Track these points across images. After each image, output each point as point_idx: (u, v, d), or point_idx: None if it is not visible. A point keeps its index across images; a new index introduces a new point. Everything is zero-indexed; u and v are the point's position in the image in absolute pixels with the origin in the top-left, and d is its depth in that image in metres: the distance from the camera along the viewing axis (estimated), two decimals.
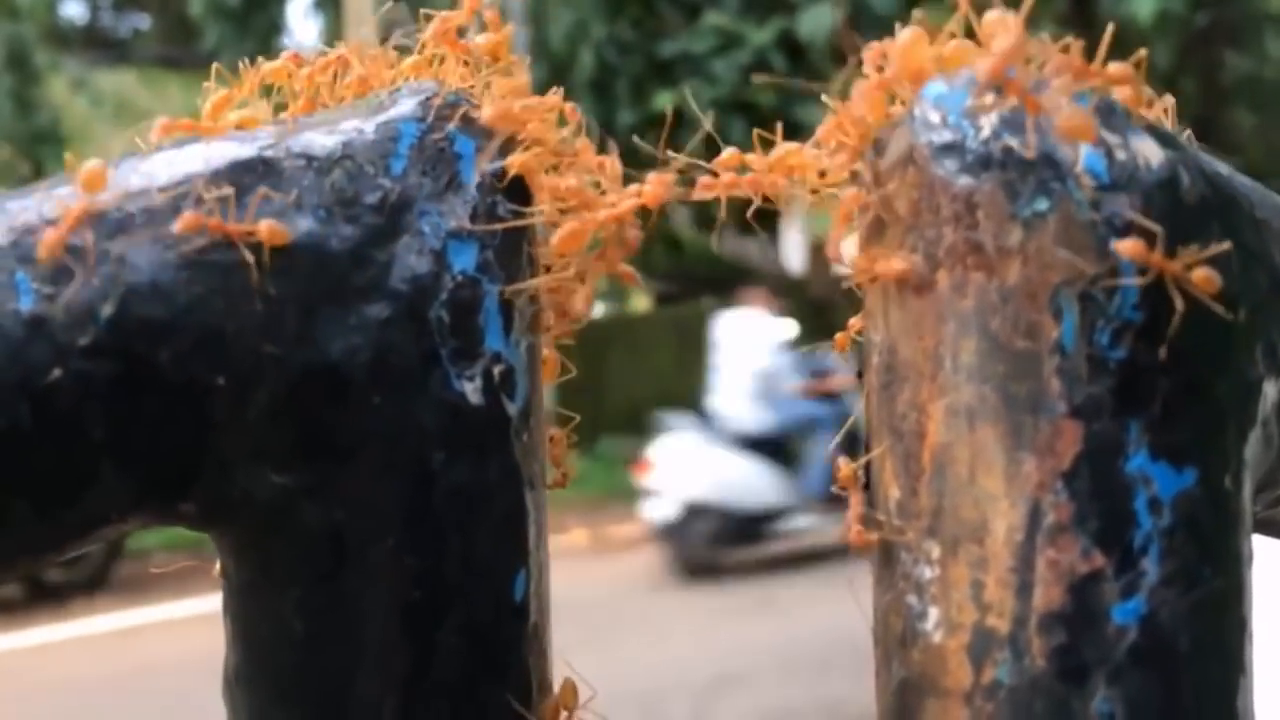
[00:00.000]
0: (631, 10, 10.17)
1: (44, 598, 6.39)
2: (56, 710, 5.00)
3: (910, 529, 0.38)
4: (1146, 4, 10.35)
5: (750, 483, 6.57)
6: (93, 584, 6.62)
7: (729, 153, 0.41)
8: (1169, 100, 0.40)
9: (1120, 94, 0.39)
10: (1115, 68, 0.39)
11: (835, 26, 9.08)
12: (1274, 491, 0.44)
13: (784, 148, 0.40)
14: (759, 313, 7.17)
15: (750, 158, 0.41)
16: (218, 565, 0.42)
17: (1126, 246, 0.35)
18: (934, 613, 0.38)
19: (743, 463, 6.64)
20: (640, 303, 11.74)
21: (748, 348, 7.08)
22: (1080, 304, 0.36)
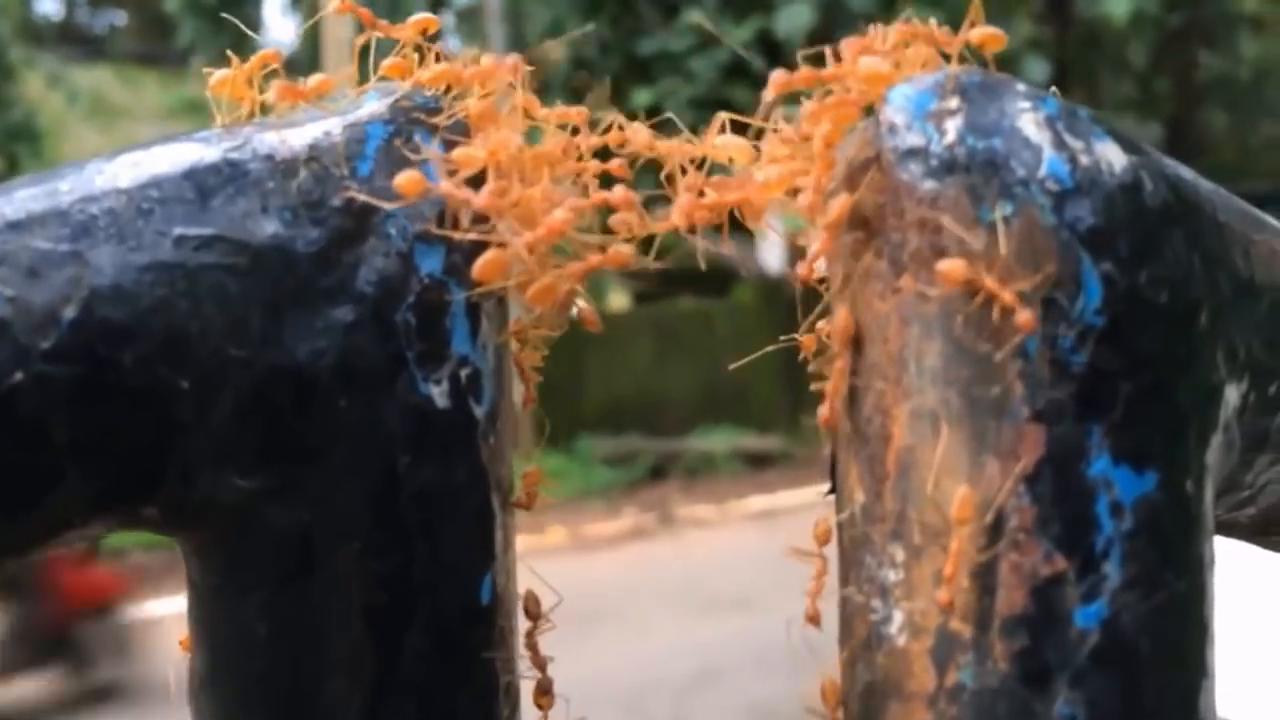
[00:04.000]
0: (609, 8, 10.17)
1: None
2: None
3: (875, 532, 0.38)
4: (1121, 3, 10.41)
5: None
6: None
7: (692, 178, 0.41)
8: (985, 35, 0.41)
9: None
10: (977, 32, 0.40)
11: (813, 25, 9.10)
12: (1236, 495, 0.44)
13: (758, 175, 0.40)
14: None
15: (715, 182, 0.41)
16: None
17: (947, 268, 0.36)
18: (898, 616, 0.38)
19: None
20: (618, 301, 11.73)
21: None
22: (1043, 308, 0.36)
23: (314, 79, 0.44)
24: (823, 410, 0.39)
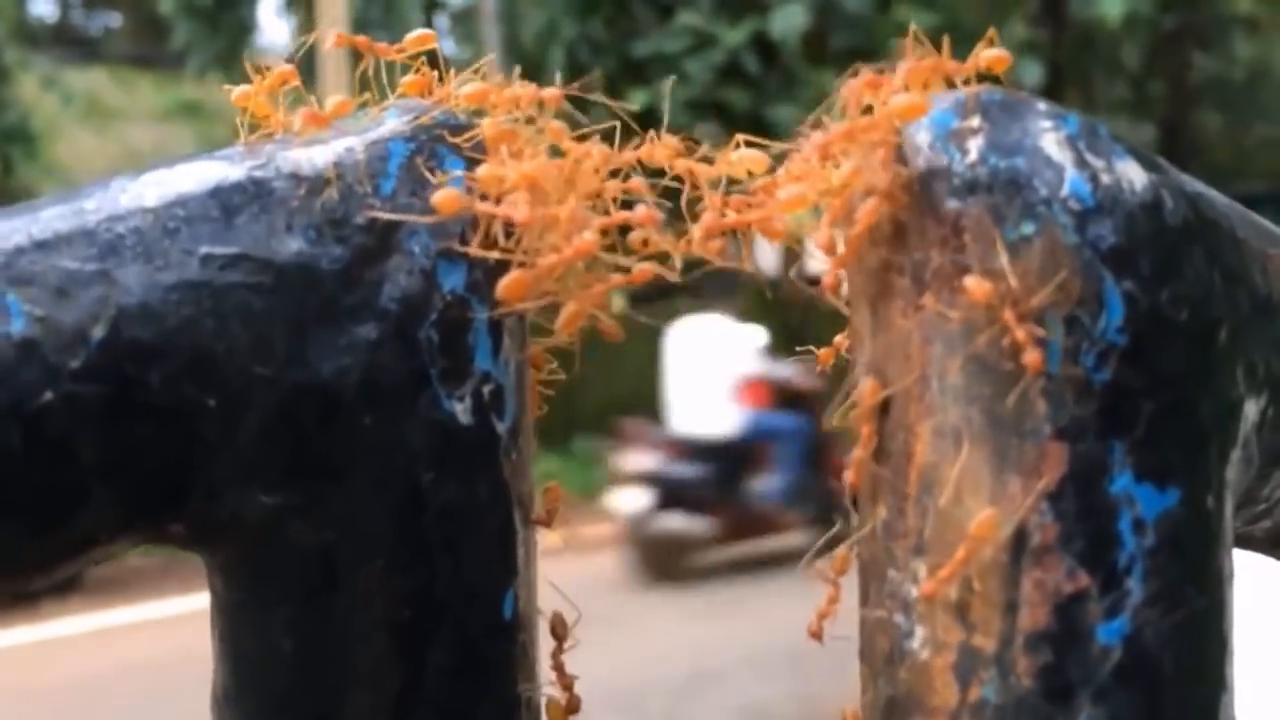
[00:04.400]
0: (604, 10, 10.18)
1: (15, 600, 6.32)
2: (31, 714, 4.96)
3: (897, 548, 0.39)
4: (1115, 5, 10.42)
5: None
6: (66, 585, 6.55)
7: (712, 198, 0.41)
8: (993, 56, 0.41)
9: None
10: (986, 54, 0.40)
11: (807, 26, 9.11)
12: (1253, 508, 0.45)
13: (779, 196, 0.40)
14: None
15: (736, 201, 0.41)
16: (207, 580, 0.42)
17: (973, 285, 0.36)
18: (920, 631, 0.38)
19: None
20: (616, 303, 11.73)
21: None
22: (1065, 327, 0.36)
23: (331, 102, 0.44)
24: (848, 475, 0.40)
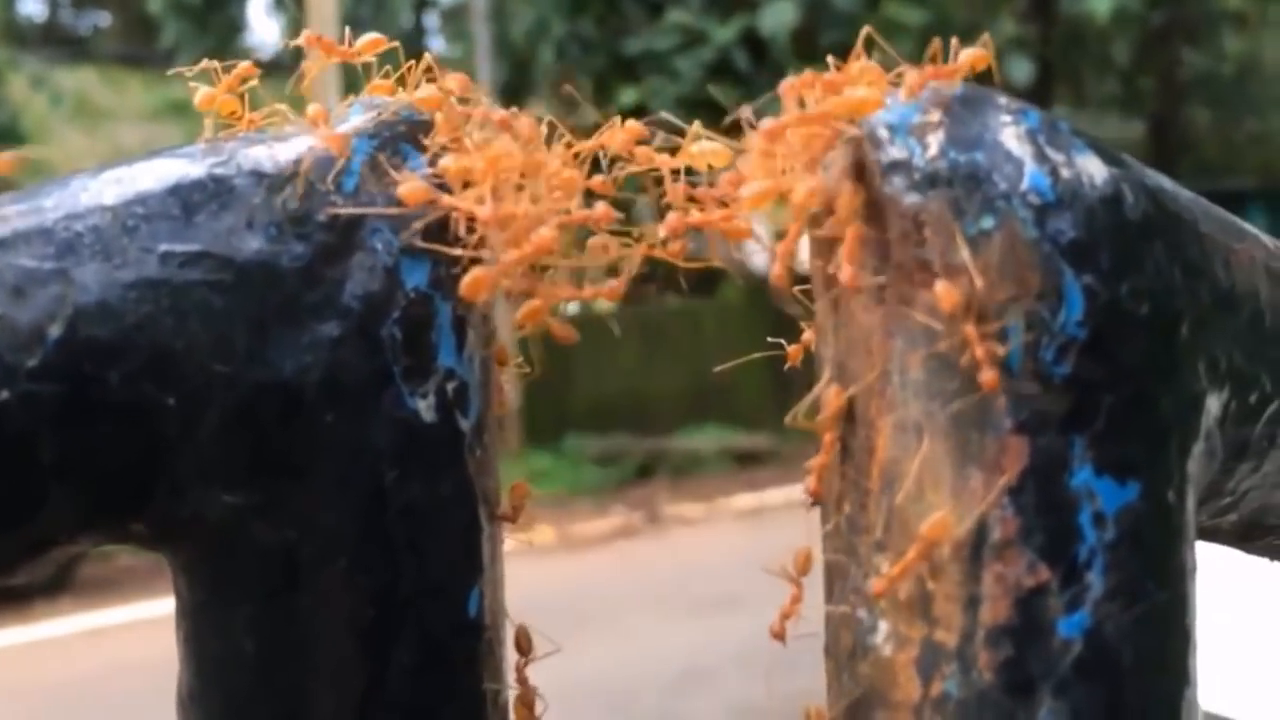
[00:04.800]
0: (594, 7, 10.17)
1: (5, 600, 6.30)
2: (21, 714, 4.95)
3: (860, 544, 0.39)
4: (1104, 1, 10.43)
5: None
6: (56, 585, 6.54)
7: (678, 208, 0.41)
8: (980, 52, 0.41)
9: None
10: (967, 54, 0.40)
11: (797, 23, 9.11)
12: (1219, 502, 0.45)
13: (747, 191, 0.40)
14: None
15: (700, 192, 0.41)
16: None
17: (943, 292, 0.36)
18: (883, 627, 0.38)
19: None
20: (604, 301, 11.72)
21: None
22: (1025, 321, 0.36)
23: (364, 39, 0.44)
24: (809, 482, 0.40)
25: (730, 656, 4.86)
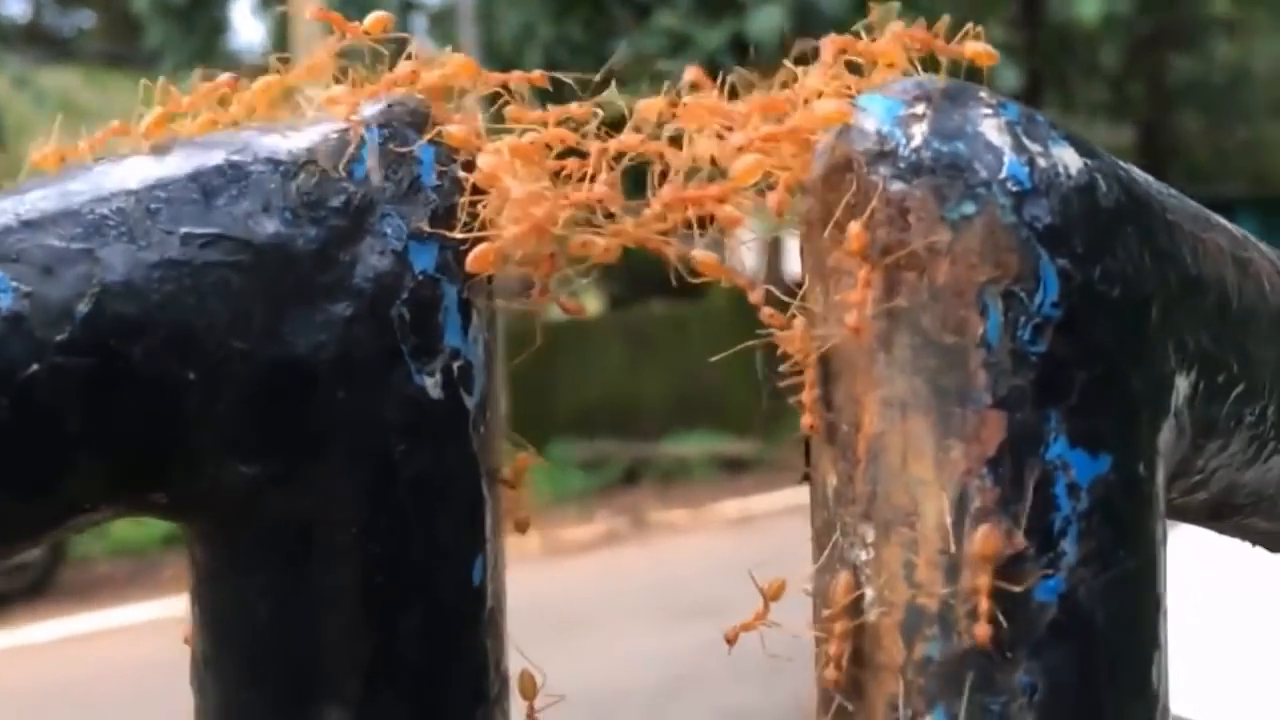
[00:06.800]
0: (581, 11, 10.19)
1: None
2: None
3: (846, 514, 0.41)
4: (1092, 6, 10.47)
5: None
6: (35, 591, 6.51)
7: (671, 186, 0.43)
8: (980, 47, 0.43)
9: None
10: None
11: (785, 27, 9.14)
12: (1188, 479, 0.47)
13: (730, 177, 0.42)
14: None
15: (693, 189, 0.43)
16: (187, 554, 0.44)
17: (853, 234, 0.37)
18: (869, 593, 0.40)
19: None
20: (591, 305, 11.75)
21: None
22: (1004, 301, 0.39)
23: (371, 18, 0.46)
24: (806, 419, 0.42)
25: (716, 664, 4.86)
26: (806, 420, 0.41)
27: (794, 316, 0.43)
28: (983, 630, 0.38)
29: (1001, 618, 0.38)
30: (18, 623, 6.16)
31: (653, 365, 10.03)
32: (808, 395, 0.41)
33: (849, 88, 0.42)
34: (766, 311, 0.42)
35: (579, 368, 9.60)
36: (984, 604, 0.38)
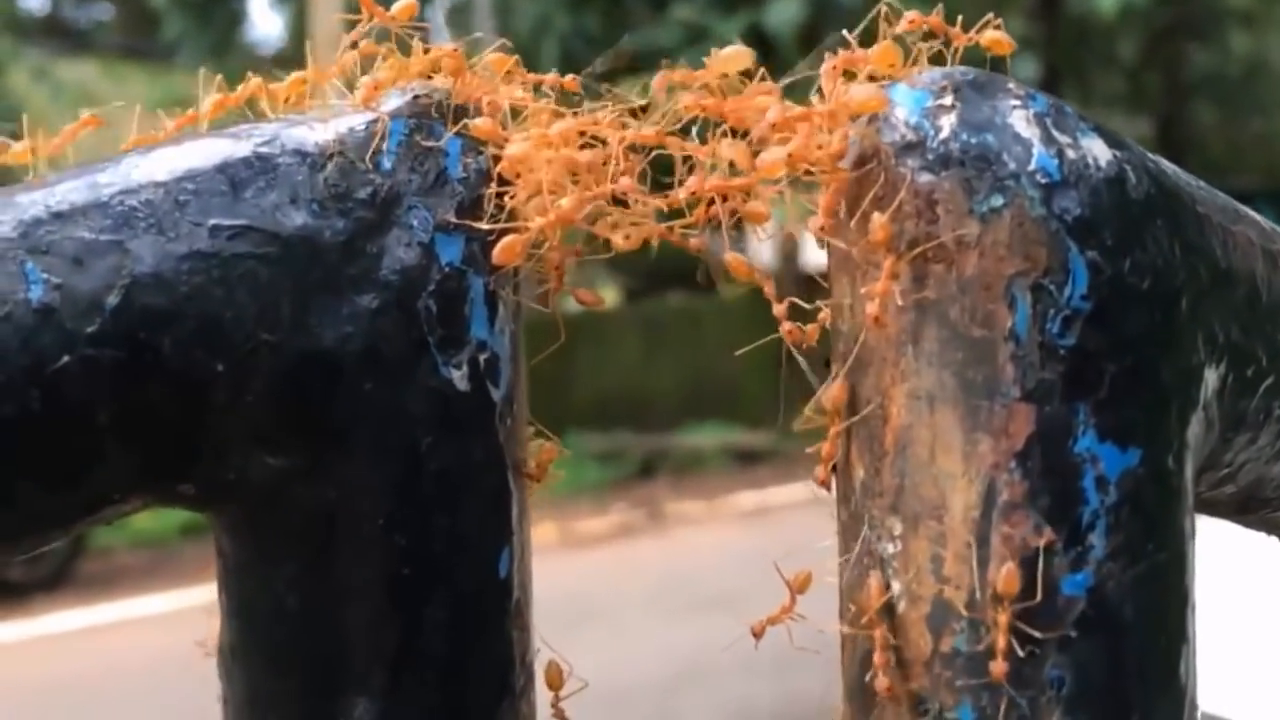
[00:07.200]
0: (598, 3, 10.19)
1: (4, 596, 6.29)
2: (20, 712, 4.96)
3: (874, 507, 0.41)
4: None
5: None
6: (55, 581, 6.52)
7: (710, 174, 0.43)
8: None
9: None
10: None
11: (802, 20, 9.12)
12: (1217, 473, 0.47)
13: (767, 158, 0.42)
14: None
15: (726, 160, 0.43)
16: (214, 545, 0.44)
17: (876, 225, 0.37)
18: (896, 586, 0.40)
19: None
20: (608, 297, 11.75)
21: None
22: (1032, 294, 0.38)
23: (400, 4, 0.46)
24: (818, 471, 0.42)
25: (730, 656, 4.87)
26: (820, 473, 0.42)
27: (815, 325, 0.43)
28: (999, 667, 0.38)
29: (1019, 650, 0.38)
30: (37, 613, 6.19)
31: (668, 357, 10.02)
32: (827, 448, 0.41)
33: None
34: (786, 328, 0.43)
35: (595, 360, 9.60)
36: (1002, 641, 0.38)
